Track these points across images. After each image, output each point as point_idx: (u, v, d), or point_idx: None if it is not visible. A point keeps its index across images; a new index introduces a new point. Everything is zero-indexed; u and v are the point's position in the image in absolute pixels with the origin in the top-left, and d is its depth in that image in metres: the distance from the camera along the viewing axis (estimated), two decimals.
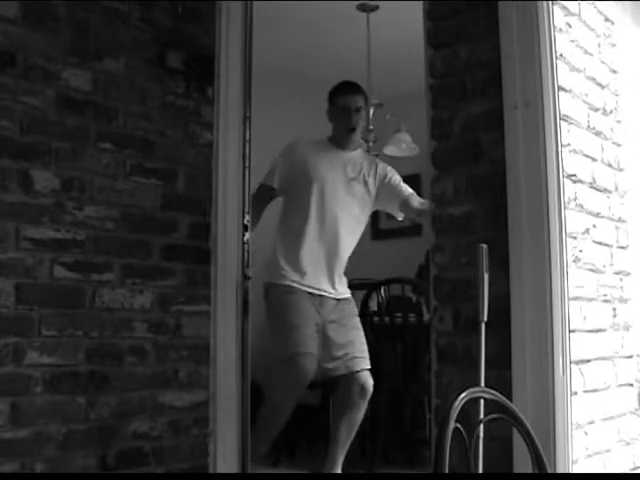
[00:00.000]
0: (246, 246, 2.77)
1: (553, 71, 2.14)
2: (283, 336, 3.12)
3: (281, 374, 3.08)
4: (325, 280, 3.23)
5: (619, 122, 2.56)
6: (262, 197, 3.30)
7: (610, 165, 2.48)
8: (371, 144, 4.65)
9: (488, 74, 2.24)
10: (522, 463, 1.95)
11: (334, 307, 3.24)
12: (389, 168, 3.43)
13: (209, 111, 2.80)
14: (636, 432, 2.46)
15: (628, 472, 2.38)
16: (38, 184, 2.34)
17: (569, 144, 2.20)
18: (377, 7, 4.63)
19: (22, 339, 2.27)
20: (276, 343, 3.17)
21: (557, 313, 2.05)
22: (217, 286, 2.73)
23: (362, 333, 3.27)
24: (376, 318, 4.23)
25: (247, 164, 2.82)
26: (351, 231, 3.30)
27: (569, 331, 2.07)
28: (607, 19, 2.56)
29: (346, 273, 3.35)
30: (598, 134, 2.41)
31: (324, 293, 3.22)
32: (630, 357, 2.48)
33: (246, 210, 2.79)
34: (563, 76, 2.20)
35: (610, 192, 2.46)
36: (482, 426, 1.83)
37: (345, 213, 3.27)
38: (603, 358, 2.31)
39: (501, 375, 2.08)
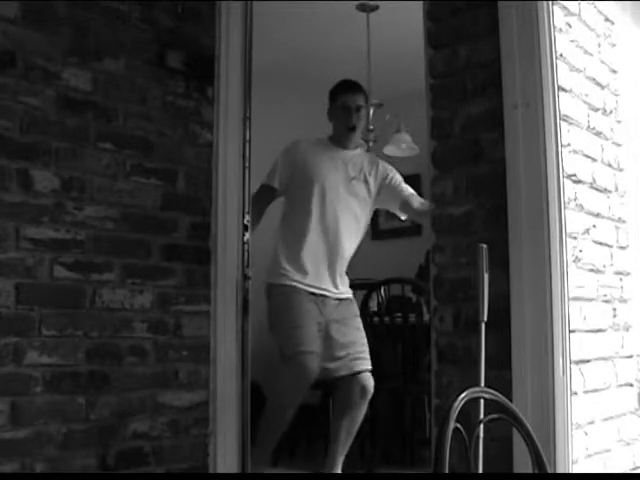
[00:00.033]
0: (246, 246, 2.77)
1: (553, 71, 2.14)
2: (286, 335, 3.11)
3: (284, 374, 3.07)
4: (327, 279, 3.22)
5: (619, 122, 2.56)
6: (263, 197, 3.30)
7: (610, 165, 2.48)
8: (371, 144, 4.65)
9: (488, 74, 2.23)
10: (522, 463, 1.95)
11: (336, 307, 3.24)
12: (390, 168, 3.43)
13: (209, 111, 2.80)
14: (636, 432, 2.46)
15: (628, 472, 2.38)
16: (38, 184, 2.34)
17: (569, 144, 2.20)
18: (377, 7, 4.63)
19: (22, 339, 2.27)
20: (278, 343, 3.17)
21: (557, 313, 2.05)
22: (217, 286, 2.73)
23: (363, 334, 3.27)
24: (376, 318, 4.23)
25: (247, 164, 2.83)
26: (352, 230, 3.30)
27: (569, 331, 2.07)
28: (607, 19, 2.56)
29: (347, 273, 3.35)
30: (598, 134, 2.41)
31: (326, 293, 3.22)
32: (630, 357, 2.48)
33: (246, 210, 2.79)
34: (563, 76, 2.20)
35: (610, 192, 2.46)
36: (482, 426, 1.83)
37: (346, 212, 3.26)
38: (603, 358, 2.31)
39: (501, 375, 2.08)
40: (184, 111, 2.74)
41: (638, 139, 2.69)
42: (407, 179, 3.44)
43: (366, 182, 3.32)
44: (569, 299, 2.08)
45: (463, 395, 1.56)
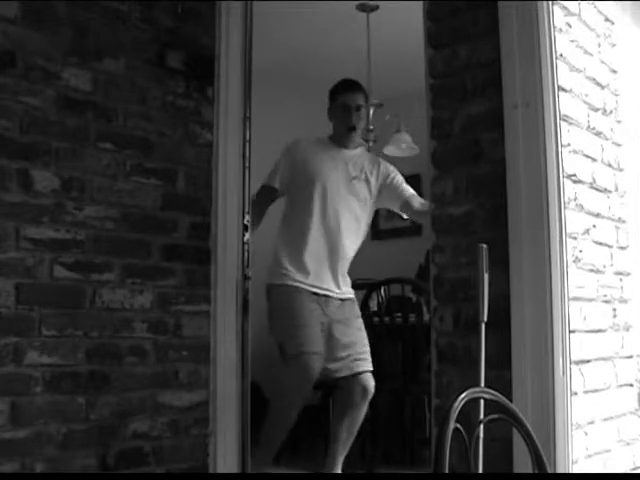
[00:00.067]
0: (246, 246, 2.77)
1: (553, 71, 2.14)
2: (288, 335, 3.09)
3: (287, 374, 3.05)
4: (329, 279, 3.21)
5: (619, 122, 2.56)
6: (264, 198, 3.29)
7: (610, 165, 2.48)
8: (371, 144, 4.65)
9: (488, 74, 2.23)
10: (522, 463, 1.95)
11: (339, 307, 3.23)
12: (392, 168, 3.42)
13: (209, 111, 2.80)
14: (636, 432, 2.46)
15: (628, 472, 2.38)
16: (38, 184, 2.34)
17: (569, 144, 2.20)
18: (377, 7, 4.63)
19: (22, 339, 2.27)
20: (280, 343, 3.15)
21: (557, 313, 2.05)
22: (217, 286, 2.73)
23: (365, 334, 3.26)
24: (376, 318, 4.23)
25: (247, 164, 2.83)
26: (354, 230, 3.29)
27: (569, 331, 2.07)
28: (607, 19, 2.56)
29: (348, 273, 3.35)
30: (598, 134, 2.41)
31: (329, 293, 3.21)
32: (630, 357, 2.48)
33: (246, 210, 2.79)
34: (563, 76, 2.20)
35: (610, 192, 2.46)
36: (482, 426, 1.83)
37: (347, 212, 3.25)
38: (603, 358, 2.31)
39: (501, 375, 2.08)
40: (184, 111, 2.74)
41: (638, 139, 2.69)
42: (407, 179, 3.43)
43: (367, 181, 3.32)
44: (569, 299, 2.08)
45: (463, 395, 1.56)
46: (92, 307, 2.44)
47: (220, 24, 2.83)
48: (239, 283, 2.74)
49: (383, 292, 4.33)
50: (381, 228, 5.79)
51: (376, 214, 3.58)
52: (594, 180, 2.35)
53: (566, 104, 2.19)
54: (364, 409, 3.19)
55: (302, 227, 3.21)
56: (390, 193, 3.36)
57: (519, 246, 2.12)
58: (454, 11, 2.34)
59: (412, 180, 3.55)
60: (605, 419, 2.27)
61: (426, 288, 3.14)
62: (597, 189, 2.36)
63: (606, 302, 2.36)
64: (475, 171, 2.26)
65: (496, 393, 1.69)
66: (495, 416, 1.70)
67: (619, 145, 2.55)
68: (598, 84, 2.45)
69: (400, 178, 3.39)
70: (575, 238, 2.18)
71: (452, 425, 1.47)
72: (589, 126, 2.35)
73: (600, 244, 2.35)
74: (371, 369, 3.18)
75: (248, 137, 2.83)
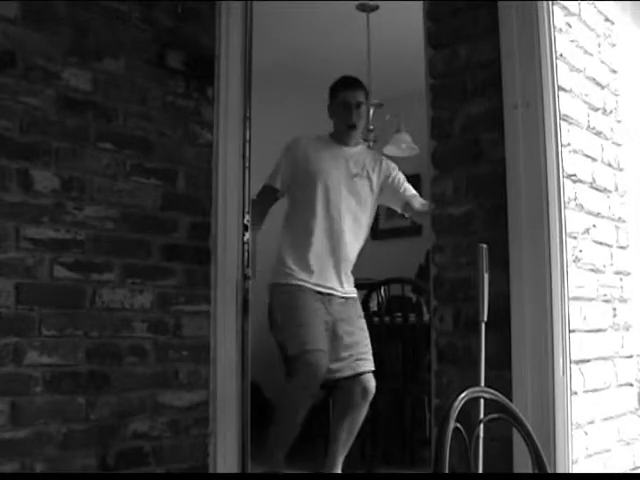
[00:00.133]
0: (246, 246, 2.77)
1: (553, 71, 2.14)
2: (291, 334, 3.06)
3: (292, 374, 3.02)
4: (333, 278, 3.20)
5: (619, 122, 2.56)
6: (266, 198, 3.28)
7: (610, 165, 2.48)
8: (371, 144, 4.65)
9: (488, 74, 2.23)
10: (522, 463, 1.95)
11: (342, 305, 3.21)
12: (393, 166, 3.41)
13: (209, 111, 2.80)
14: (636, 432, 2.46)
15: (628, 472, 2.38)
16: (38, 184, 2.34)
17: (569, 144, 2.20)
18: (377, 7, 4.63)
19: (22, 339, 2.27)
20: (282, 342, 3.13)
21: (557, 313, 2.05)
22: (217, 286, 2.73)
23: (367, 334, 3.25)
24: (376, 318, 4.22)
25: (247, 164, 2.83)
26: (355, 228, 3.28)
27: (569, 331, 2.07)
28: (607, 19, 2.56)
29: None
30: (598, 134, 2.41)
31: (332, 292, 3.19)
32: (630, 357, 2.48)
33: (246, 210, 2.79)
34: (563, 76, 2.20)
35: (610, 192, 2.46)
36: (482, 426, 1.83)
37: (349, 210, 3.24)
38: (603, 358, 2.31)
39: (501, 375, 2.08)
40: (184, 111, 2.74)
41: (638, 139, 2.69)
42: (407, 179, 3.43)
43: (369, 179, 3.30)
44: (569, 299, 2.08)
45: (463, 395, 1.56)
46: (92, 307, 2.44)
47: (220, 24, 2.84)
48: (239, 283, 2.75)
49: (383, 292, 4.33)
50: (381, 228, 5.78)
51: (376, 214, 3.58)
52: (594, 180, 2.35)
53: (566, 104, 2.19)
54: (365, 409, 3.19)
55: (305, 226, 3.20)
56: (391, 193, 3.36)
57: (519, 246, 2.12)
58: (454, 11, 2.34)
59: (412, 180, 3.55)
60: (605, 419, 2.27)
61: (426, 288, 3.14)
62: (597, 189, 2.36)
63: (606, 302, 2.36)
64: (475, 171, 2.26)
65: (496, 393, 1.69)
66: (495, 416, 1.70)
67: (619, 145, 2.55)
68: (598, 84, 2.45)
69: (402, 177, 3.39)
70: (575, 238, 2.18)
71: (452, 425, 1.47)
72: (589, 126, 2.35)
73: (600, 244, 2.35)
74: (373, 369, 3.17)
75: (248, 137, 2.83)
